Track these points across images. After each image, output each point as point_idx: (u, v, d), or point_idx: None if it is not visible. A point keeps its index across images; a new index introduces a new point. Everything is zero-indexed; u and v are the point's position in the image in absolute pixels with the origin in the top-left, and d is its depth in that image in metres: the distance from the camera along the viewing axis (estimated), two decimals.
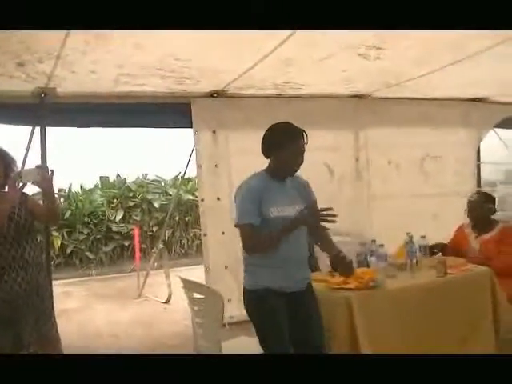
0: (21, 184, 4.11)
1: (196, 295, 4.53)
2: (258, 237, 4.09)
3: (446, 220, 7.88)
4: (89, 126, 7.62)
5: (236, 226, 4.17)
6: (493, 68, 6.15)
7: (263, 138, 4.22)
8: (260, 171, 4.27)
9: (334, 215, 3.95)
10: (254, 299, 4.19)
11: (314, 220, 4.08)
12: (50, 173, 4.20)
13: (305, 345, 4.19)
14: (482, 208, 6.15)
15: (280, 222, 4.06)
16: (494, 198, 6.31)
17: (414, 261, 5.40)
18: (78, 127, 7.61)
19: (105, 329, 7.80)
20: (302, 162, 4.16)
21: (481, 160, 9.44)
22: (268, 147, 4.19)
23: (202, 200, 7.30)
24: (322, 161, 7.48)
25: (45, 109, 6.39)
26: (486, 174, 10.58)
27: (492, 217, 6.20)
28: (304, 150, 4.14)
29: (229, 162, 7.27)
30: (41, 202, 4.45)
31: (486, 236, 6.05)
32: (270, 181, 4.18)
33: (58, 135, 7.86)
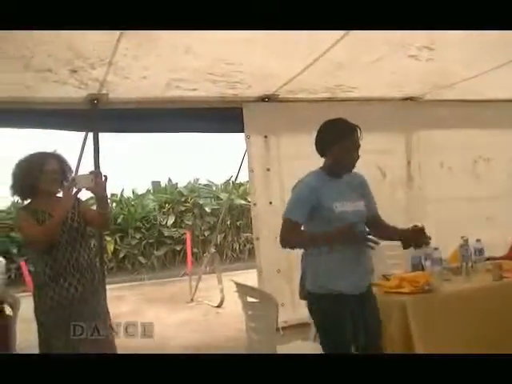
0: (75, 190, 4.16)
1: (250, 299, 4.53)
2: (298, 234, 4.10)
3: (499, 223, 7.79)
4: (140, 132, 7.69)
5: (283, 218, 4.14)
6: None
7: (317, 136, 4.19)
8: (316, 169, 4.23)
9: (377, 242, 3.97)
10: (318, 302, 4.16)
11: (356, 240, 4.05)
12: (103, 178, 4.25)
13: (365, 348, 4.17)
14: None
15: (345, 217, 4.03)
16: None
17: (470, 264, 5.34)
18: (130, 133, 7.69)
19: (156, 333, 7.83)
20: (358, 157, 4.12)
21: None
22: (322, 144, 4.16)
23: (255, 204, 7.30)
24: (374, 163, 7.43)
25: (97, 115, 6.45)
26: None
27: None
28: (359, 146, 4.10)
29: (280, 166, 7.25)
30: (93, 208, 4.50)
31: None
32: (326, 178, 4.15)
33: (110, 140, 7.95)
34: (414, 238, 4.31)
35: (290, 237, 4.09)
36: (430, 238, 4.38)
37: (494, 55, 5.64)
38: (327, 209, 4.04)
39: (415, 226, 4.32)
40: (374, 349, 4.18)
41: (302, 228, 4.13)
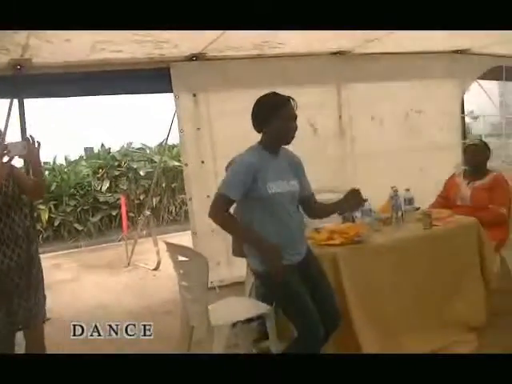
0: (7, 158, 4.03)
1: (180, 258, 4.50)
2: (229, 217, 4.08)
3: (432, 173, 7.89)
4: (67, 96, 7.56)
5: (217, 192, 4.11)
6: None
7: (252, 113, 4.14)
8: (254, 145, 4.19)
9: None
10: (271, 280, 4.12)
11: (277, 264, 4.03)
12: (36, 145, 4.13)
13: (324, 305, 4.20)
14: (481, 154, 6.14)
15: (276, 197, 4.03)
16: (489, 147, 6.29)
17: (400, 214, 5.38)
18: (56, 97, 7.53)
19: (94, 299, 7.78)
20: (296, 128, 4.10)
21: (465, 112, 9.41)
22: (258, 121, 4.12)
23: (186, 165, 7.28)
24: (305, 119, 7.42)
25: (21, 80, 6.31)
26: (471, 127, 10.58)
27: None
28: (295, 116, 4.08)
29: (211, 124, 7.22)
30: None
31: (478, 183, 6.05)
32: (265, 154, 4.10)
33: (39, 107, 7.79)
34: (351, 202, 4.33)
35: (218, 214, 4.06)
36: (365, 200, 4.44)
37: None
38: (260, 189, 4.01)
39: (352, 189, 4.32)
40: (332, 309, 4.23)
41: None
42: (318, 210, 4.47)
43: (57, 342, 5.14)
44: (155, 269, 9.12)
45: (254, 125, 4.16)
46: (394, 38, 6.82)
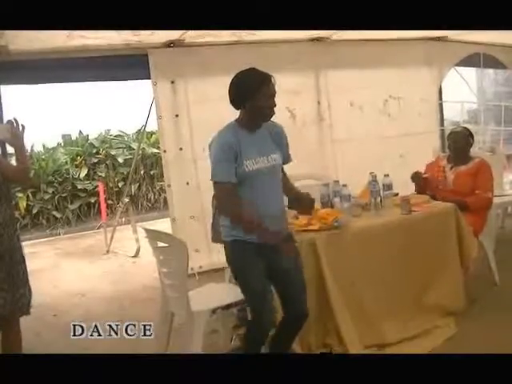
0: None
1: (160, 244, 4.49)
2: (238, 204, 4.01)
3: (411, 160, 7.94)
4: (44, 83, 7.51)
5: (213, 182, 4.05)
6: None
7: (230, 89, 4.07)
8: (231, 122, 4.13)
9: None
10: (234, 250, 4.13)
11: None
12: (20, 128, 4.07)
13: (290, 299, 4.22)
14: (465, 140, 6.17)
15: (255, 175, 4.00)
16: (472, 133, 6.32)
17: (378, 199, 5.41)
18: (33, 84, 7.49)
19: (74, 286, 7.76)
20: (274, 105, 4.05)
21: (443, 99, 9.45)
22: (237, 97, 4.05)
23: (165, 151, 7.26)
24: (284, 105, 7.41)
25: None
26: (449, 114, 10.61)
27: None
28: (275, 93, 4.03)
29: (189, 111, 7.21)
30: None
31: (462, 168, 6.08)
32: (242, 132, 4.06)
33: (16, 94, 7.74)
34: (302, 205, 4.32)
35: (229, 205, 4.04)
36: (313, 207, 4.38)
37: None
38: (239, 167, 3.97)
39: (308, 194, 4.31)
40: (297, 292, 4.21)
41: None
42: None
43: (37, 331, 5.13)
44: (134, 256, 9.10)
45: (232, 101, 4.09)
46: None
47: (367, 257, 4.94)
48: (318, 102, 8.15)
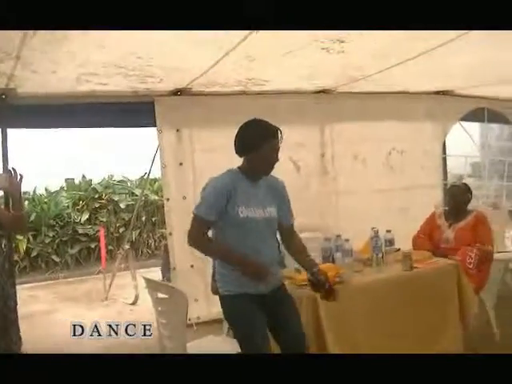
0: None
1: (160, 295, 4.46)
2: (206, 240, 4.07)
3: (413, 214, 7.92)
4: (51, 127, 7.54)
5: (192, 213, 4.08)
6: (455, 61, 6.13)
7: (237, 136, 4.09)
8: (234, 168, 4.15)
9: None
10: (229, 305, 4.12)
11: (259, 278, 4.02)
12: (18, 177, 4.05)
13: (287, 342, 4.16)
14: (464, 195, 6.20)
15: (249, 223, 3.99)
16: (471, 189, 6.33)
17: (380, 255, 5.39)
18: (40, 128, 7.50)
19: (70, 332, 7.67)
20: (277, 160, 4.06)
21: (447, 153, 9.47)
22: (242, 146, 4.07)
23: (168, 199, 7.26)
24: (288, 157, 7.44)
25: (5, 110, 6.28)
26: (452, 168, 10.63)
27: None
28: (279, 148, 4.04)
29: (193, 160, 7.22)
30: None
31: (461, 224, 6.11)
32: (242, 179, 4.07)
33: (21, 137, 7.75)
34: (318, 281, 4.20)
35: (196, 237, 4.06)
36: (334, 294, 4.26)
37: (404, 48, 5.64)
38: (232, 211, 3.98)
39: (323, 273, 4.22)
40: (296, 343, 4.16)
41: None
42: (293, 248, 4.40)
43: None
44: (133, 303, 9.03)
45: (236, 148, 4.10)
46: (378, 78, 6.87)
47: (368, 313, 4.91)
48: (322, 154, 8.16)
